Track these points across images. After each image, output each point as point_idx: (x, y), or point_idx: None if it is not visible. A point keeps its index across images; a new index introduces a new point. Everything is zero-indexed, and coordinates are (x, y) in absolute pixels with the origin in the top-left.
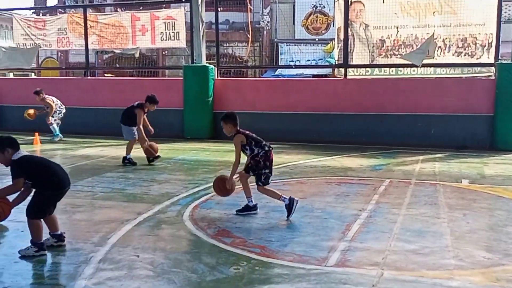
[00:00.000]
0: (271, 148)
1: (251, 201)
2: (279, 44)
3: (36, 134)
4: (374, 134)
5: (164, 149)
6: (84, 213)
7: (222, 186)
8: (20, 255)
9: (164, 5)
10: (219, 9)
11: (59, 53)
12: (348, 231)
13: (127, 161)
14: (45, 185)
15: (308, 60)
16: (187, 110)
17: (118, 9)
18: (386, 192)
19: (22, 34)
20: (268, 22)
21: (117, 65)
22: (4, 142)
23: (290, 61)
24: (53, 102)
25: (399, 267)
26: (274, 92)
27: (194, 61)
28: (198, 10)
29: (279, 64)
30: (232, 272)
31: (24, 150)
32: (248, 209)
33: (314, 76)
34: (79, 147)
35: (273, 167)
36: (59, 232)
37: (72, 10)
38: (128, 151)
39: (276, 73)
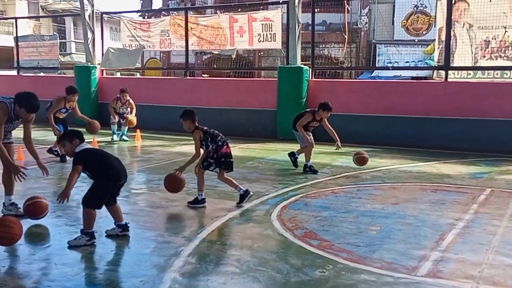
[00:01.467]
0: (225, 143)
1: (201, 195)
2: (376, 45)
3: (138, 130)
4: (476, 140)
5: (256, 149)
6: (177, 208)
7: (172, 181)
8: (69, 245)
9: (261, 7)
10: (316, 10)
11: (162, 54)
12: (442, 240)
13: (308, 169)
14: (102, 176)
15: (407, 62)
16: (280, 111)
17: (218, 11)
18: (486, 202)
19: (128, 35)
20: (366, 23)
21: (215, 66)
22: (74, 134)
23: (387, 63)
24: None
25: (496, 282)
26: (369, 94)
27: (289, 62)
28: (295, 12)
29: (376, 65)
30: (318, 275)
31: (87, 144)
32: (197, 202)
33: (412, 78)
34: (176, 144)
35: (228, 159)
36: (123, 222)
37: (175, 12)
38: (307, 157)
39: (373, 75)
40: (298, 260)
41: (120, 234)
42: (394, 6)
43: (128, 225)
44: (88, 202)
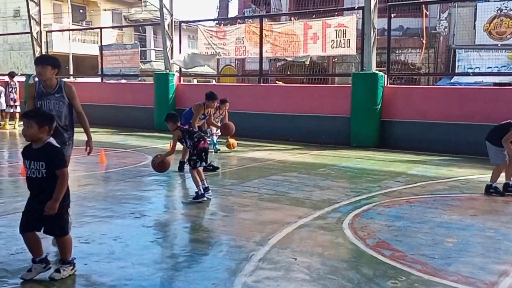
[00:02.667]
0: (201, 139)
1: (200, 190)
2: (456, 50)
3: None
4: None
5: (328, 156)
6: (249, 213)
7: (160, 164)
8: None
9: (336, 13)
10: (392, 15)
11: (237, 61)
12: None
13: (493, 190)
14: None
15: (489, 67)
16: (354, 117)
17: (292, 18)
18: None
19: (205, 43)
20: (445, 27)
21: (288, 73)
22: (48, 118)
23: (468, 69)
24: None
25: None
26: (448, 101)
27: (364, 68)
28: (370, 17)
29: (456, 71)
30: (389, 286)
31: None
32: (197, 197)
33: (495, 84)
34: (249, 150)
35: (205, 154)
36: (44, 255)
37: (250, 20)
38: (494, 177)
39: (452, 81)
40: (370, 270)
41: (43, 270)
42: (475, 9)
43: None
44: (64, 229)
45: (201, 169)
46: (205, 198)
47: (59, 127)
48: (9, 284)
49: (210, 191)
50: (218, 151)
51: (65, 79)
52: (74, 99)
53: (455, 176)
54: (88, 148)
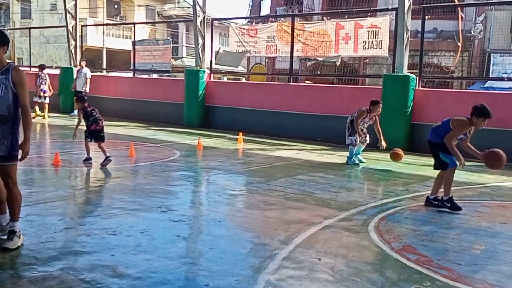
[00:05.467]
0: (94, 123)
1: (88, 155)
2: (491, 54)
3: (241, 133)
4: None
5: None
6: (274, 211)
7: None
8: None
9: (369, 14)
10: (426, 17)
11: (267, 60)
12: None
13: None
14: None
15: None
16: (383, 120)
17: (324, 18)
18: None
19: (236, 41)
20: (480, 30)
21: (319, 72)
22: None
23: (503, 73)
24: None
25: None
26: None
27: (395, 70)
28: (404, 19)
29: (490, 76)
30: None
31: None
32: (86, 160)
33: None
34: (276, 148)
35: (96, 134)
36: None
37: (282, 19)
38: None
39: (486, 85)
40: (394, 273)
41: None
42: None
43: None
44: None
45: (90, 143)
46: (91, 162)
47: None
48: (39, 272)
49: (91, 161)
50: (356, 165)
51: (98, 73)
52: (20, 86)
53: (486, 183)
54: (21, 152)
